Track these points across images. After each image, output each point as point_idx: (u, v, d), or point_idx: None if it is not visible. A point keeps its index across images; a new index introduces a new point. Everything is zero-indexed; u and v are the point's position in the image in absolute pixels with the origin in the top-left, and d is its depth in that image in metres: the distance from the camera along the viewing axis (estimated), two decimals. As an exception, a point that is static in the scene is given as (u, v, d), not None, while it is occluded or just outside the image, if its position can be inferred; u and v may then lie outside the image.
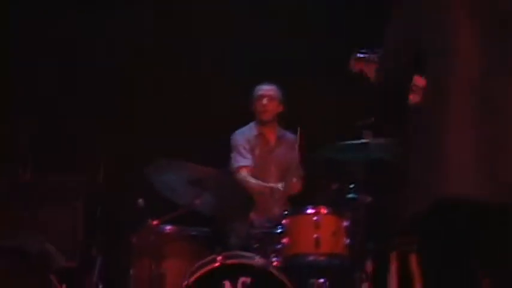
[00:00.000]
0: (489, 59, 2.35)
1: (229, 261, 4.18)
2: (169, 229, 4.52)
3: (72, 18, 5.77)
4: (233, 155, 5.26)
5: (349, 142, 4.38)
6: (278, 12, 5.95)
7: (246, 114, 5.39)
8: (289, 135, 5.39)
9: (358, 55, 3.18)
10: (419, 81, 2.64)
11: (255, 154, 5.25)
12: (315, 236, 4.26)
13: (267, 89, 5.27)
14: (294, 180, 5.12)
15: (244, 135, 5.29)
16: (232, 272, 4.14)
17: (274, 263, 4.33)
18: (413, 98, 2.64)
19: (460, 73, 2.36)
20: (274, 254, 4.40)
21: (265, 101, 5.22)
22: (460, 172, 2.26)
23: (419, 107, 2.50)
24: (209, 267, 4.12)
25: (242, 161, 5.19)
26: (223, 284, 4.09)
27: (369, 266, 4.57)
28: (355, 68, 3.19)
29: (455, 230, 2.32)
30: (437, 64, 2.43)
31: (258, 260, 4.23)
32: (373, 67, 3.09)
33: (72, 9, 5.74)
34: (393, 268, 4.70)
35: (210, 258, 4.23)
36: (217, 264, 4.12)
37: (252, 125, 5.35)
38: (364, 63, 3.15)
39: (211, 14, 6.01)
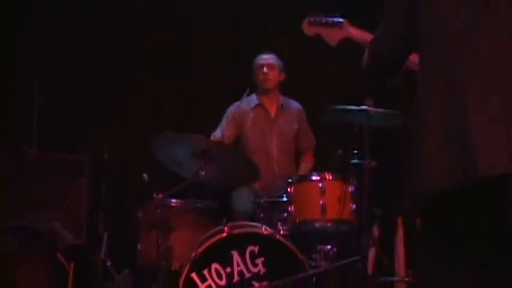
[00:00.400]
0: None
1: (236, 231, 4.19)
2: (175, 202, 4.52)
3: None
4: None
5: (350, 107, 4.36)
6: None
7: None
8: (293, 104, 5.39)
9: (312, 18, 3.17)
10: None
11: (250, 125, 5.22)
12: (321, 202, 4.30)
13: (266, 58, 5.25)
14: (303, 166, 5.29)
15: (238, 107, 5.21)
16: (239, 241, 4.15)
17: (281, 231, 4.36)
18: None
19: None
20: (280, 223, 4.44)
21: (265, 69, 5.19)
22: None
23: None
24: (216, 237, 4.13)
25: (215, 132, 5.16)
26: (231, 253, 4.11)
27: (375, 231, 4.59)
28: (309, 31, 3.18)
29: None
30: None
31: (265, 229, 4.24)
32: (329, 31, 3.12)
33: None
34: (400, 233, 4.71)
35: (216, 229, 4.24)
36: (224, 235, 4.13)
37: (253, 96, 5.31)
38: (319, 26, 3.15)
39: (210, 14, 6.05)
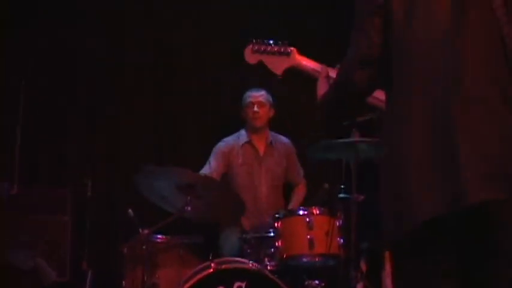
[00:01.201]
0: None
1: (223, 267, 4.14)
2: (160, 238, 4.46)
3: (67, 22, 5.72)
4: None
5: (337, 141, 4.33)
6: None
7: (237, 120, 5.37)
8: (282, 140, 5.37)
9: (256, 45, 3.03)
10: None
11: (239, 163, 5.17)
12: (309, 237, 4.26)
13: (257, 95, 5.18)
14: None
15: (227, 144, 5.22)
16: (226, 277, 4.08)
17: (269, 267, 4.32)
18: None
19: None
20: (267, 258, 4.40)
21: (256, 108, 5.13)
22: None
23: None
24: (203, 273, 4.06)
25: (203, 169, 5.10)
26: (219, 290, 4.06)
27: (362, 265, 4.56)
28: (251, 59, 3.03)
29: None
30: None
31: (252, 264, 4.20)
32: (275, 59, 2.98)
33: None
34: (387, 267, 4.68)
35: (203, 265, 4.18)
36: (211, 270, 4.07)
37: (242, 132, 5.28)
38: (264, 54, 3.01)
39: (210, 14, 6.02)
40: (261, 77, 5.24)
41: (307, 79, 2.94)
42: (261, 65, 3.02)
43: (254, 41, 3.04)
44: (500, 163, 2.16)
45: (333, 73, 2.80)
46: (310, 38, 5.80)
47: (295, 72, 3.01)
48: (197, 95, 5.96)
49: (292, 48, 3.01)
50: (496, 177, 2.14)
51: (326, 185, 4.58)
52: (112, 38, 5.86)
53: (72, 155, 5.60)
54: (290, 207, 5.16)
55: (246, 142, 5.22)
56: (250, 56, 3.03)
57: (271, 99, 5.22)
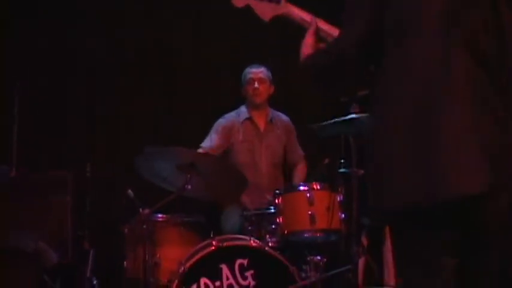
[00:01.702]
0: None
1: (224, 244, 4.14)
2: (161, 217, 4.46)
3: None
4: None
5: (336, 120, 4.32)
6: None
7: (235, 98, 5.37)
8: (282, 117, 5.35)
9: None
10: None
11: (239, 140, 5.17)
12: (310, 212, 4.25)
13: (257, 72, 5.16)
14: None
15: (228, 121, 5.21)
16: (228, 254, 4.11)
17: (270, 244, 4.32)
18: None
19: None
20: (269, 235, 4.40)
21: (256, 84, 5.12)
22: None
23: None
24: (205, 251, 4.09)
25: (203, 143, 5.11)
26: (220, 267, 4.07)
27: (364, 240, 4.57)
28: (237, 3, 2.88)
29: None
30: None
31: (253, 241, 4.20)
32: (264, 5, 2.86)
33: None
34: (388, 242, 4.69)
35: (205, 242, 4.19)
36: (213, 248, 4.09)
37: (242, 108, 5.27)
38: None
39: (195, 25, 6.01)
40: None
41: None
42: (248, 9, 2.89)
43: None
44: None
45: (323, 25, 2.74)
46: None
47: (284, 20, 2.88)
48: (196, 75, 5.95)
49: None
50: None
51: (326, 160, 4.56)
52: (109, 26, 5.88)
53: (71, 136, 5.62)
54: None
55: (246, 118, 5.21)
56: None
57: (271, 75, 5.20)
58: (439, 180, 2.11)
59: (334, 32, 2.69)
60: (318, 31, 2.73)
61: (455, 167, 2.11)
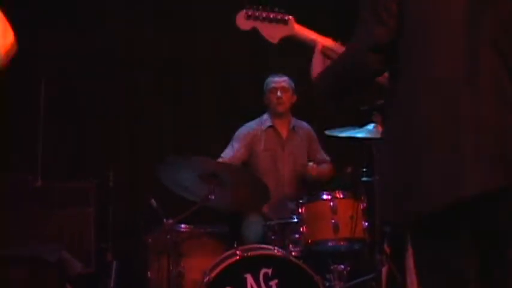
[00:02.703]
0: None
1: (249, 254, 4.13)
2: (184, 227, 4.47)
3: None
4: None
5: (358, 126, 4.33)
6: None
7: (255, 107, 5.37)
8: (304, 126, 5.34)
9: (251, 11, 2.90)
10: None
11: (261, 148, 5.15)
12: (333, 221, 4.26)
13: (279, 81, 5.15)
14: (310, 164, 5.06)
15: (250, 129, 5.21)
16: (253, 264, 4.09)
17: (293, 253, 4.32)
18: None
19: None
20: (292, 244, 4.40)
21: (279, 93, 5.11)
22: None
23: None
24: (230, 261, 4.07)
25: (224, 153, 5.10)
26: (245, 277, 4.04)
27: (386, 248, 4.56)
28: (244, 25, 2.91)
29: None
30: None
31: (277, 251, 4.20)
32: (271, 27, 2.87)
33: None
34: (410, 249, 4.66)
35: (229, 252, 4.18)
36: (237, 258, 4.07)
37: (264, 117, 5.26)
38: (259, 21, 2.89)
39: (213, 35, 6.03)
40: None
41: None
42: (255, 32, 2.91)
43: (248, 6, 2.92)
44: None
45: (329, 44, 2.77)
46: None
47: (292, 41, 2.92)
48: (216, 83, 5.99)
49: (289, 17, 2.91)
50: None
51: (349, 169, 4.56)
52: (131, 34, 5.92)
53: (94, 147, 5.65)
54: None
55: (269, 127, 5.20)
56: (243, 22, 2.92)
57: (293, 84, 5.19)
58: (464, 178, 2.14)
59: (340, 49, 2.71)
60: (324, 50, 2.76)
61: (476, 165, 2.14)
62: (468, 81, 2.20)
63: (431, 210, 2.19)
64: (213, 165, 4.35)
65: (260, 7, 2.91)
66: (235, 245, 4.25)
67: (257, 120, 5.24)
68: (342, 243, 4.31)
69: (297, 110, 5.32)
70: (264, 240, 4.55)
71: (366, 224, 4.32)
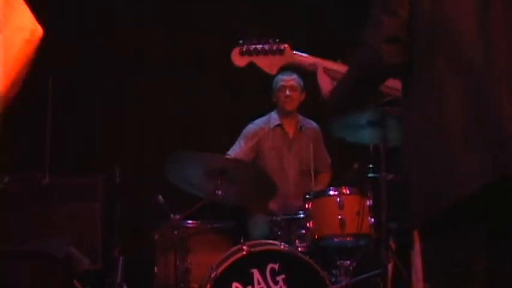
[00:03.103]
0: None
1: (255, 249, 4.15)
2: (191, 223, 4.48)
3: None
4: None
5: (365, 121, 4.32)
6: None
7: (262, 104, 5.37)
8: (312, 125, 5.34)
9: (244, 46, 2.93)
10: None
11: (268, 146, 5.16)
12: (340, 217, 4.27)
13: (288, 79, 5.14)
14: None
15: (257, 127, 5.22)
16: (259, 259, 4.11)
17: (299, 248, 4.34)
18: None
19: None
20: (298, 240, 4.43)
21: (288, 91, 5.11)
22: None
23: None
24: (236, 256, 4.09)
25: (231, 150, 5.13)
26: (252, 272, 4.06)
27: (392, 244, 4.56)
28: (240, 62, 2.95)
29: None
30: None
31: (283, 246, 4.22)
32: (267, 59, 2.89)
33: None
34: (417, 246, 4.68)
35: (236, 248, 4.20)
36: (244, 253, 4.09)
37: (273, 115, 5.26)
38: (254, 55, 2.92)
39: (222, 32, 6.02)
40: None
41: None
42: (252, 66, 2.93)
43: (241, 41, 2.95)
44: None
45: (329, 65, 2.78)
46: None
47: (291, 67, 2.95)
48: (223, 82, 5.98)
49: (285, 45, 2.93)
50: None
51: (356, 165, 4.56)
52: (137, 30, 5.94)
53: (100, 143, 5.67)
54: None
55: (277, 125, 5.21)
56: (239, 59, 2.95)
57: (302, 83, 5.18)
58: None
59: (342, 68, 2.72)
60: (326, 71, 2.78)
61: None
62: (490, 72, 2.19)
63: (470, 192, 2.14)
64: (220, 160, 4.36)
65: (254, 40, 2.92)
66: (241, 241, 4.26)
67: (265, 118, 5.26)
68: (348, 239, 4.33)
69: (304, 108, 5.32)
70: (271, 235, 4.56)
71: (372, 220, 4.33)
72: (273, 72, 2.93)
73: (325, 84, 2.75)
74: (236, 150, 5.11)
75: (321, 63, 2.81)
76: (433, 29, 2.28)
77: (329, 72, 2.77)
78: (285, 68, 2.97)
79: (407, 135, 2.35)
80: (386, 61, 2.32)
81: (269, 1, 6.15)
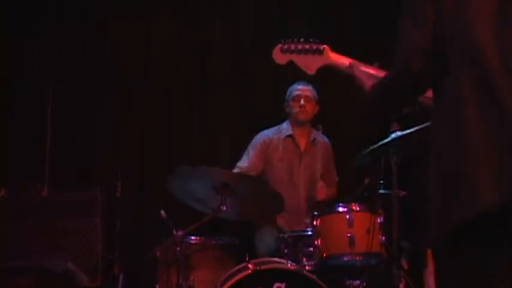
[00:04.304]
0: None
1: (261, 267, 3.99)
2: (194, 239, 4.35)
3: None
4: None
5: (377, 144, 4.20)
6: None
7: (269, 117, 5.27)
8: (324, 139, 5.22)
9: (285, 45, 2.97)
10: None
11: (278, 157, 5.03)
12: (349, 234, 4.12)
13: (304, 89, 5.02)
14: (320, 184, 4.95)
15: (266, 137, 5.10)
16: (265, 278, 3.94)
17: (307, 267, 4.19)
18: None
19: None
20: (306, 258, 4.28)
21: (302, 101, 4.99)
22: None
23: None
24: (241, 274, 3.93)
25: (240, 162, 5.01)
26: (258, 291, 3.94)
27: (404, 263, 4.44)
28: (281, 59, 2.99)
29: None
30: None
31: (290, 265, 4.07)
32: (307, 58, 2.93)
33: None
34: (430, 265, 4.56)
35: (241, 265, 4.05)
36: (249, 272, 3.93)
37: (284, 125, 5.15)
38: (294, 54, 2.96)
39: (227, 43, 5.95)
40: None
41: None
42: (291, 65, 2.98)
43: (283, 40, 2.99)
44: None
45: (366, 69, 2.80)
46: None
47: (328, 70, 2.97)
48: (229, 94, 5.89)
49: (324, 46, 2.97)
50: None
51: (367, 180, 4.42)
52: (141, 36, 5.85)
53: (101, 157, 5.56)
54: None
55: (288, 136, 5.09)
56: (280, 56, 2.99)
57: (316, 95, 5.07)
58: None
59: (379, 73, 2.74)
60: (361, 73, 2.80)
61: None
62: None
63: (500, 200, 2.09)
64: (224, 175, 4.22)
65: (295, 39, 2.97)
66: (246, 258, 4.10)
67: (275, 129, 5.14)
68: (357, 257, 4.16)
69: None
70: (277, 252, 4.42)
71: (383, 238, 4.18)
72: (312, 72, 2.98)
73: (365, 80, 2.76)
74: (244, 163, 5.00)
75: (358, 65, 2.85)
76: (455, 38, 2.27)
77: (365, 76, 2.78)
78: (302, 79, 2.97)
79: (434, 146, 2.31)
80: (414, 71, 2.33)
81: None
